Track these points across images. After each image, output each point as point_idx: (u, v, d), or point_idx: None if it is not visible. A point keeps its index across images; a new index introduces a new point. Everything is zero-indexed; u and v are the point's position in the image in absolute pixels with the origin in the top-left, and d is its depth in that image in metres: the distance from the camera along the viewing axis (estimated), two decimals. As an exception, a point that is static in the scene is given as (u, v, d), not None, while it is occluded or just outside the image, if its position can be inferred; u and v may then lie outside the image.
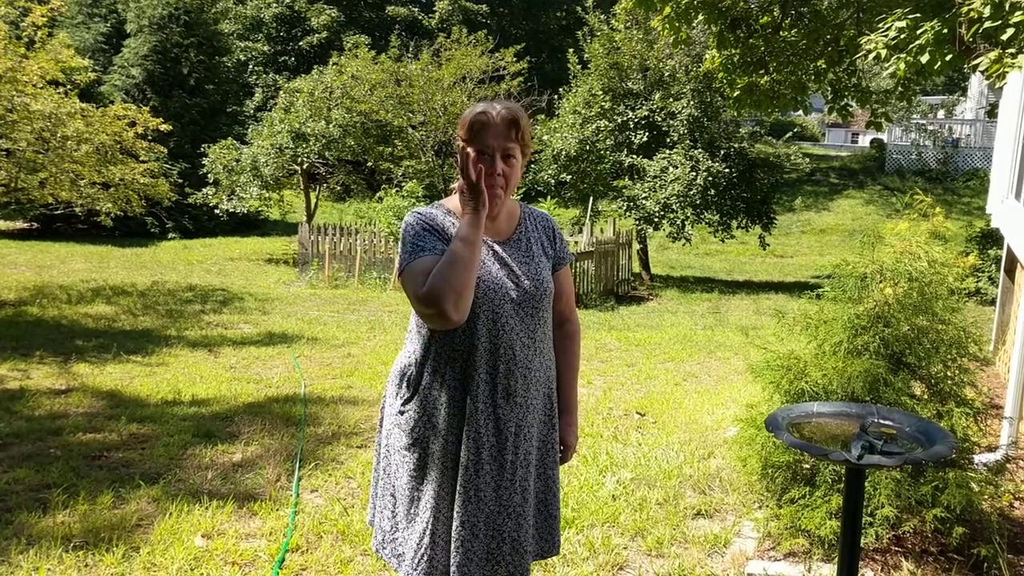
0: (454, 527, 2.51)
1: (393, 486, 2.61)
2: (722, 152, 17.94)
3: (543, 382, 2.64)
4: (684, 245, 19.42)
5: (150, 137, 13.79)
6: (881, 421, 2.86)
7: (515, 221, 2.66)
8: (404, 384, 2.59)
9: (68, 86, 12.96)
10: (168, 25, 24.76)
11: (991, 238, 14.14)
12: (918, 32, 7.09)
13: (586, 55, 19.02)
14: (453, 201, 2.60)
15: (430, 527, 2.53)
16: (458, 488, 2.51)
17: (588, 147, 18.50)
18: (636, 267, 19.04)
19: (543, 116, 20.67)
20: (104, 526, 4.17)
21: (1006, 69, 6.41)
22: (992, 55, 6.49)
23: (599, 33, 18.75)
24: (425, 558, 2.54)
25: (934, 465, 3.61)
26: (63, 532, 4.07)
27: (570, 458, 2.84)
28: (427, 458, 2.53)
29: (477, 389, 2.50)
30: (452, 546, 2.52)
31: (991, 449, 4.72)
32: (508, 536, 2.57)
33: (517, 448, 2.58)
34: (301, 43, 38.04)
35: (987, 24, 6.40)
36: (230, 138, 21.60)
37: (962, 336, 4.05)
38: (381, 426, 2.70)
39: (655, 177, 17.60)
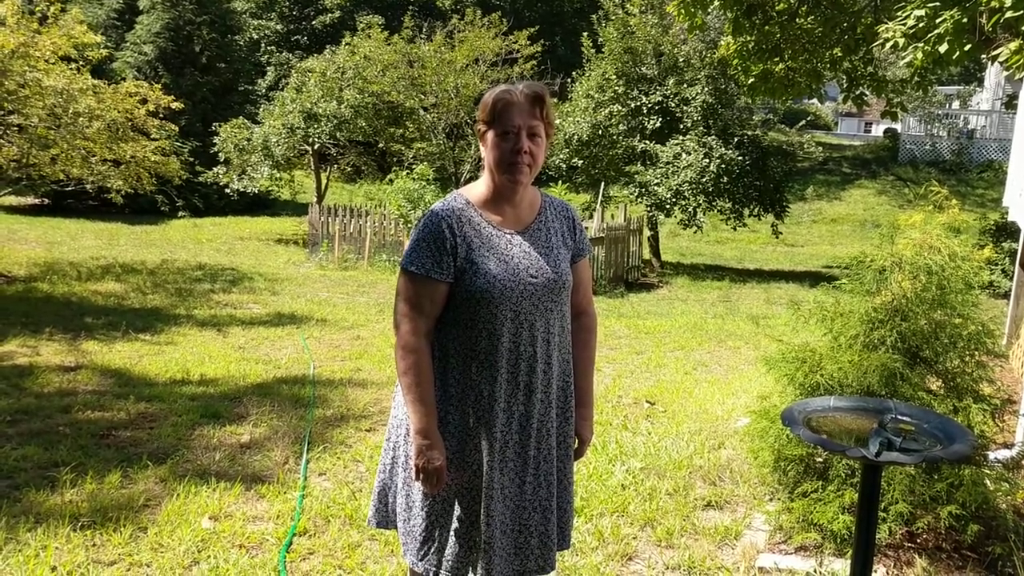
0: (481, 525, 2.47)
1: (408, 484, 2.57)
2: (735, 139, 17.82)
3: (560, 375, 2.59)
4: (695, 232, 19.33)
5: (161, 115, 13.75)
6: (899, 417, 2.82)
7: (536, 209, 2.61)
8: None
9: (80, 62, 12.92)
10: (181, 2, 24.67)
11: (1005, 231, 14.04)
12: (937, 21, 6.99)
13: (600, 39, 18.90)
14: (474, 191, 2.56)
15: (453, 525, 2.50)
16: (483, 486, 2.47)
17: (601, 132, 18.40)
18: (646, 254, 18.96)
19: (556, 100, 20.55)
20: (112, 506, 4.16)
21: (1027, 60, 6.31)
22: (1013, 45, 6.39)
23: (614, 17, 18.61)
24: (435, 552, 2.51)
25: (950, 462, 3.57)
26: (71, 511, 4.07)
27: (585, 453, 2.80)
28: (449, 456, 2.49)
29: (499, 388, 2.46)
30: (479, 543, 2.48)
31: (1007, 445, 4.67)
32: (535, 530, 2.54)
33: (540, 443, 2.54)
34: (314, 22, 37.92)
35: (1008, 14, 6.31)
36: (241, 117, 21.54)
37: (980, 331, 4.00)
38: (395, 420, 2.65)
39: (667, 163, 17.50)
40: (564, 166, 19.20)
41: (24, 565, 3.55)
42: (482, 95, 2.48)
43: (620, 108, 18.33)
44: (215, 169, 20.59)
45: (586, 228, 15.74)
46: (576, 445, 2.71)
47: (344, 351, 8.44)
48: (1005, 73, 6.96)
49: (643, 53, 18.42)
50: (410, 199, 16.36)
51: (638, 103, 18.29)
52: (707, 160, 17.07)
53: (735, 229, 19.69)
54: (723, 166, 17.07)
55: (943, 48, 6.96)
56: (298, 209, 23.74)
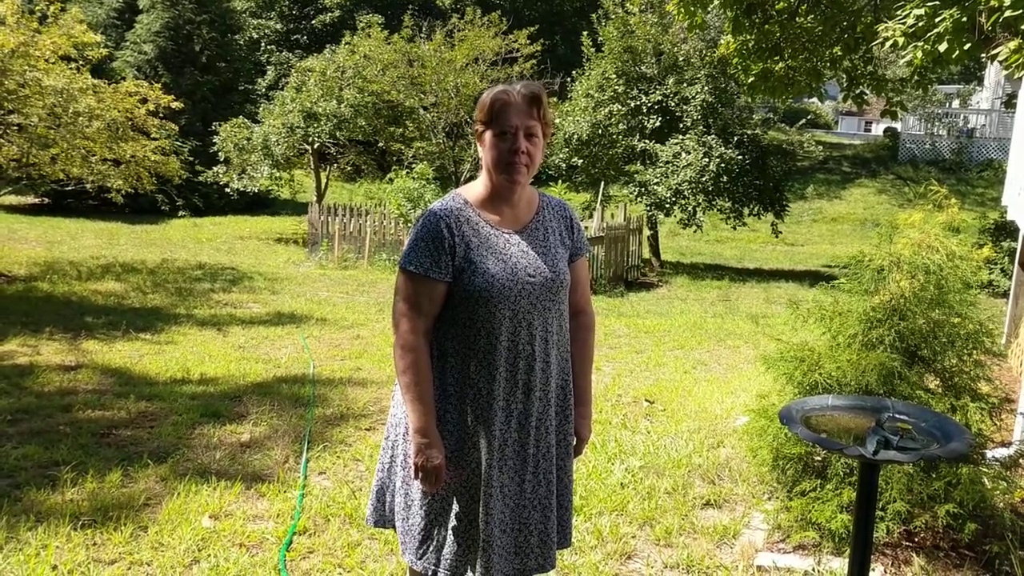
0: (481, 524, 2.48)
1: (407, 483, 2.58)
2: (735, 138, 17.81)
3: (558, 374, 2.60)
4: (695, 232, 19.33)
5: (161, 114, 13.75)
6: (897, 416, 2.83)
7: (534, 209, 2.62)
8: None
9: (80, 62, 12.93)
10: (180, 1, 24.66)
11: (1004, 230, 14.04)
12: (936, 20, 6.99)
13: (600, 38, 18.90)
14: (472, 191, 2.57)
15: (451, 523, 2.51)
16: (482, 485, 2.48)
17: (600, 131, 18.39)
18: (646, 253, 18.97)
19: (556, 99, 20.55)
20: (112, 504, 4.17)
21: (1026, 59, 6.30)
22: (1012, 44, 6.40)
23: (613, 16, 18.61)
24: (434, 551, 2.52)
25: (947, 461, 3.58)
26: (72, 510, 4.08)
27: (583, 451, 2.81)
28: (447, 455, 2.50)
29: (498, 387, 2.47)
30: (478, 542, 2.49)
31: (1005, 444, 4.68)
32: (535, 528, 2.55)
33: (539, 441, 2.55)
34: (314, 22, 37.91)
35: (1007, 13, 6.31)
36: (241, 116, 21.54)
37: (978, 330, 4.01)
38: (393, 419, 2.66)
39: (667, 163, 17.50)
40: (564, 165, 19.20)
41: (25, 564, 3.56)
42: (481, 94, 2.49)
43: (620, 107, 18.33)
44: (215, 168, 20.59)
45: (586, 227, 15.72)
46: (575, 443, 2.72)
47: (344, 350, 8.45)
48: (1004, 72, 6.95)
49: (643, 52, 18.42)
50: (410, 198, 16.37)
51: (638, 102, 18.29)
52: (707, 159, 17.07)
53: (735, 228, 19.68)
54: (723, 165, 17.06)
55: (943, 47, 6.95)
56: (298, 208, 23.75)
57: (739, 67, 10.91)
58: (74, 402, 6.03)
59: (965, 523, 3.54)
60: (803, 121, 20.93)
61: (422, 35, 22.30)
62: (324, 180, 22.55)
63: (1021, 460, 3.96)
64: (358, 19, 24.17)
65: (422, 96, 20.86)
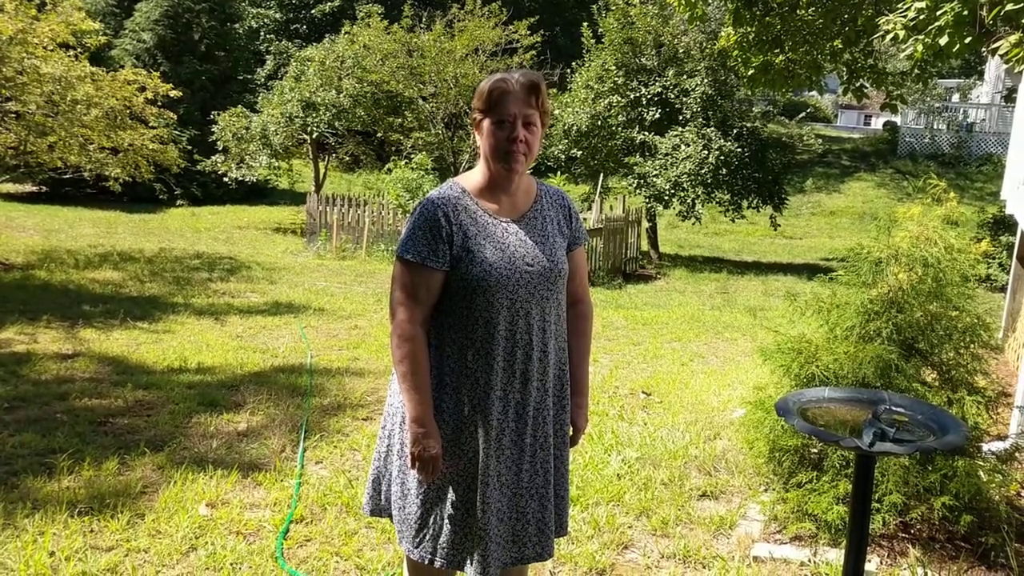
0: (478, 513, 2.48)
1: (404, 472, 2.58)
2: (735, 131, 17.80)
3: (556, 363, 2.60)
4: (694, 224, 19.32)
5: (160, 103, 13.72)
6: (893, 408, 2.83)
7: (531, 198, 2.61)
8: None
9: (78, 49, 12.89)
10: (180, -10, 24.59)
11: (1003, 224, 14.04)
12: (937, 13, 6.99)
13: (600, 29, 18.86)
14: (469, 179, 2.56)
15: (448, 512, 2.51)
16: (479, 474, 2.48)
17: (600, 123, 18.38)
18: (644, 245, 18.97)
19: (555, 90, 20.52)
20: (109, 492, 4.18)
21: (1027, 53, 6.30)
22: (1013, 38, 6.40)
23: (614, 7, 18.57)
24: (431, 539, 2.52)
25: (943, 453, 3.58)
26: (68, 497, 4.08)
27: (579, 441, 2.81)
28: (443, 444, 2.50)
29: (495, 376, 2.47)
30: (476, 530, 2.49)
31: (1000, 437, 4.69)
32: (533, 517, 2.55)
33: (536, 431, 2.55)
34: (313, 11, 37.75)
35: (1008, 7, 6.30)
36: (240, 106, 21.48)
37: (976, 324, 4.01)
38: (390, 408, 2.66)
39: (666, 155, 17.49)
40: (563, 157, 19.19)
41: (22, 550, 3.56)
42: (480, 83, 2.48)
43: (619, 99, 18.30)
44: (213, 158, 20.56)
45: (585, 219, 15.73)
46: (571, 433, 2.72)
47: (341, 340, 8.45)
48: (1005, 66, 6.95)
49: (643, 44, 18.39)
50: (408, 189, 16.36)
51: (637, 94, 18.26)
52: (706, 152, 17.05)
53: (733, 221, 19.67)
54: (722, 158, 17.05)
55: (943, 40, 6.95)
56: (296, 198, 23.72)
57: (739, 59, 10.92)
58: (71, 390, 6.03)
59: (961, 515, 3.55)
60: (803, 114, 20.95)
61: (422, 25, 22.22)
62: (323, 170, 22.52)
63: (1017, 453, 3.97)
64: (358, 9, 24.08)
65: (421, 86, 20.81)
